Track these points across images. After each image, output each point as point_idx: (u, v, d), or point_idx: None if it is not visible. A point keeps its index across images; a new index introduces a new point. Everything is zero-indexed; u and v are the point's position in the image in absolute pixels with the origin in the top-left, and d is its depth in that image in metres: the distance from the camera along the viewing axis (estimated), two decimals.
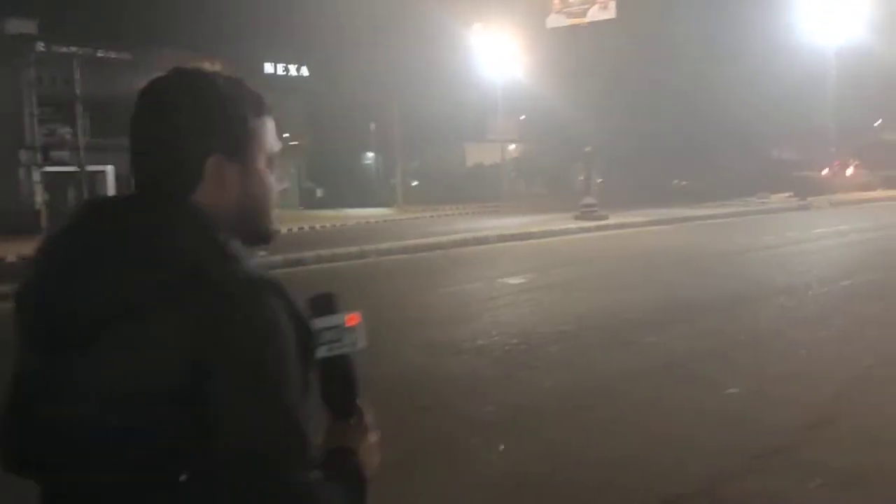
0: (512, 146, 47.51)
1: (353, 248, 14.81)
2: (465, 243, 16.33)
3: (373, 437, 1.19)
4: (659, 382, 5.88)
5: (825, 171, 38.40)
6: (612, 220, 19.94)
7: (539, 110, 40.68)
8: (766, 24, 35.08)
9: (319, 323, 1.14)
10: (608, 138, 38.55)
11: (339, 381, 1.18)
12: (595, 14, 19.27)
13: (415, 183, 43.00)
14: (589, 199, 20.52)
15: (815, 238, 15.74)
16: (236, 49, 31.06)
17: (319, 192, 38.37)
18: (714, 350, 6.78)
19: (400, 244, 15.88)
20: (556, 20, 20.10)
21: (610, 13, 19.31)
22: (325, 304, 1.18)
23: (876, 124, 54.58)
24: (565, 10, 19.08)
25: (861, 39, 34.14)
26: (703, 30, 35.67)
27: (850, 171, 37.70)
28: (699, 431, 4.79)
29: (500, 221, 21.86)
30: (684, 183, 42.24)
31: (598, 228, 18.94)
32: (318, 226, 23.26)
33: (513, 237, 17.28)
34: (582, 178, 21.79)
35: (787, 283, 10.13)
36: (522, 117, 44.93)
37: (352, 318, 1.18)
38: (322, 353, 1.14)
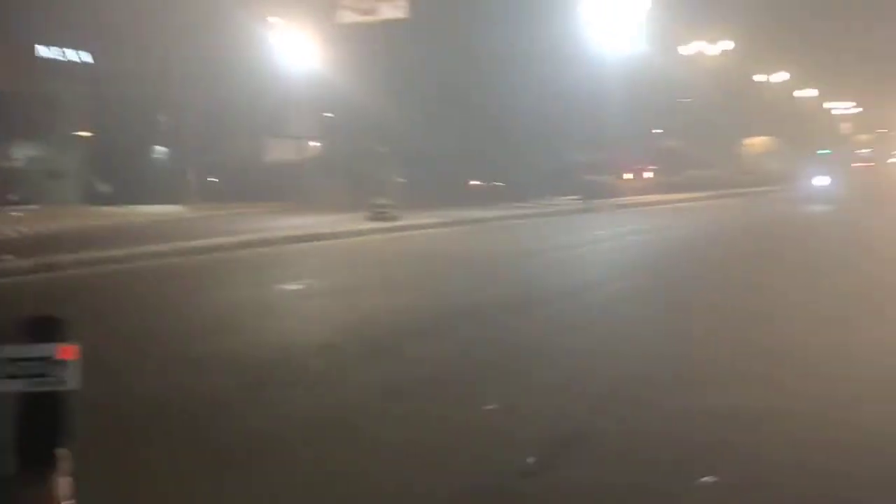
0: (314, 143, 46.74)
1: (120, 252, 13.55)
2: (248, 245, 15.49)
3: None
4: (419, 397, 5.56)
5: (628, 176, 40.84)
6: (404, 221, 19.79)
7: (344, 107, 40.13)
8: (557, 29, 36.44)
9: (16, 351, 1.01)
10: (410, 138, 38.73)
11: (39, 424, 1.05)
12: (387, 12, 19.03)
13: (211, 179, 41.09)
14: (381, 200, 20.27)
15: (595, 241, 16.32)
16: (2, 29, 28.16)
17: (104, 188, 35.64)
18: (481, 360, 6.59)
19: (177, 246, 14.76)
20: (346, 16, 19.65)
21: (402, 11, 19.13)
22: (42, 328, 1.05)
23: (656, 131, 58.88)
24: (354, 6, 18.64)
25: (641, 49, 36.47)
26: (498, 33, 36.54)
27: (649, 175, 40.36)
28: (452, 451, 4.51)
29: (292, 221, 21.13)
30: (483, 184, 43.26)
31: (390, 230, 18.73)
32: (94, 224, 21.40)
33: (300, 239, 16.63)
34: (377, 178, 21.46)
35: (562, 288, 10.27)
36: (328, 114, 44.22)
37: (65, 351, 1.07)
38: (16, 387, 1.02)
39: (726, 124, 59.36)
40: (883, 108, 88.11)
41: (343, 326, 7.75)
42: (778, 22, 59.04)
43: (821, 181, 42.58)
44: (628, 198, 32.38)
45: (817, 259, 12.57)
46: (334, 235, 17.37)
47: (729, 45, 45.12)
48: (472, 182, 43.45)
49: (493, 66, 37.37)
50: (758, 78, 56.73)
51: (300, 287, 10.43)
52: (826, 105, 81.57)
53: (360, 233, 18.06)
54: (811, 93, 69.37)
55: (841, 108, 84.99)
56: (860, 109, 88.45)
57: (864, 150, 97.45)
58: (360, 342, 7.15)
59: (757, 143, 63.94)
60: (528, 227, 20.67)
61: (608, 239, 16.66)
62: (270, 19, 33.96)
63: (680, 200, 32.73)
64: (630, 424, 4.97)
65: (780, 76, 57.66)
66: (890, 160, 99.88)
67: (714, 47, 44.86)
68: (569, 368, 6.31)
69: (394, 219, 19.75)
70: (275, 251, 15.08)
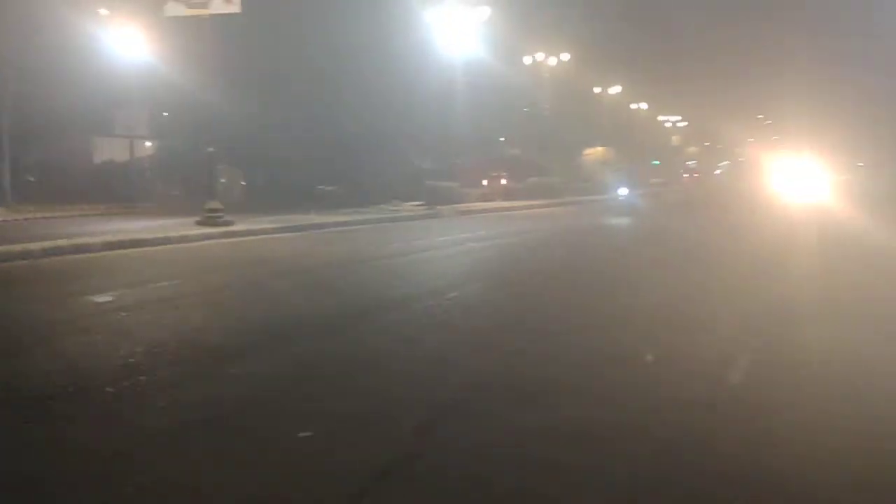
0: (148, 143, 44.36)
1: None
2: (61, 251, 14.15)
3: None
4: (230, 428, 4.95)
5: (485, 182, 41.15)
6: (239, 227, 18.82)
7: (179, 106, 38.13)
8: (400, 33, 36.18)
9: None
10: (252, 140, 37.37)
11: None
12: (218, 6, 18.02)
13: (32, 179, 37.99)
14: (213, 204, 19.20)
15: (436, 247, 16.06)
16: None
17: None
18: (302, 379, 6.03)
19: None
20: (174, 9, 18.46)
21: (234, 7, 18.17)
22: None
23: (501, 139, 60.03)
24: None
25: (483, 56, 36.86)
26: (338, 34, 35.92)
27: (504, 182, 40.86)
28: (262, 489, 3.97)
29: (115, 225, 19.69)
30: (330, 188, 42.47)
31: (222, 235, 17.72)
32: None
33: (122, 244, 15.38)
34: (212, 180, 20.31)
35: (398, 296, 9.86)
36: (165, 113, 41.98)
37: None
38: None
39: (568, 134, 61.46)
40: (706, 122, 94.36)
41: (149, 344, 6.96)
42: (610, 37, 61.81)
43: (623, 192, 45.03)
44: (472, 204, 32.63)
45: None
46: (160, 241, 16.21)
47: (566, 56, 46.49)
48: (319, 187, 42.60)
49: (342, 70, 36.67)
50: (596, 90, 58.99)
51: (109, 299, 9.45)
52: (659, 118, 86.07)
53: (186, 239, 16.96)
54: (643, 106, 73.02)
55: (671, 121, 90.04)
56: (686, 123, 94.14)
57: (691, 162, 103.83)
58: (166, 363, 6.40)
59: (595, 152, 66.64)
60: (369, 233, 20.20)
61: (450, 245, 16.44)
62: (102, 11, 31.80)
63: (520, 207, 33.33)
64: (459, 445, 4.59)
65: (615, 89, 60.23)
66: (716, 171, 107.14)
67: (553, 59, 46.09)
68: (395, 385, 5.87)
69: (227, 224, 18.77)
70: (89, 259, 13.81)
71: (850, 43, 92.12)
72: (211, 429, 4.91)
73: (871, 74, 68.83)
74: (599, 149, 65.42)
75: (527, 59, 46.03)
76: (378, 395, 5.59)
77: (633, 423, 4.95)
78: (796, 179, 42.14)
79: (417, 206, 29.90)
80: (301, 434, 4.79)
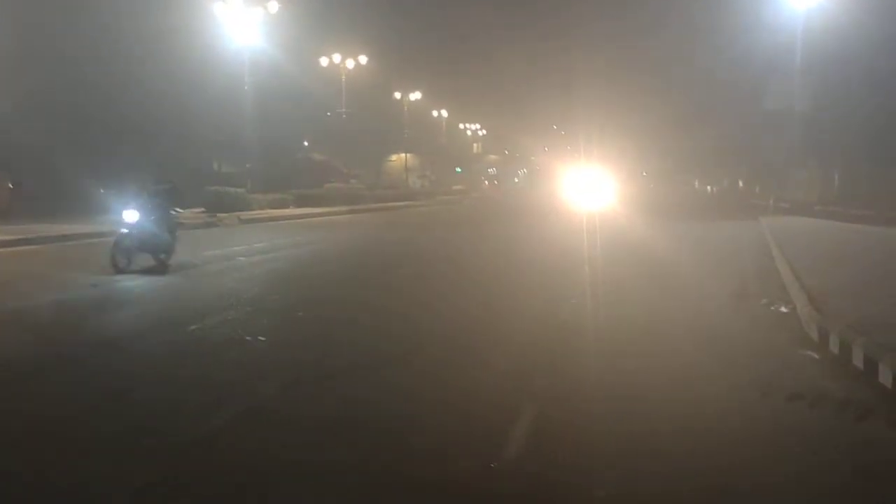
0: None
1: None
2: None
3: None
4: None
5: (332, 184, 38.64)
6: None
7: None
8: (178, 24, 33.30)
9: None
10: (28, 137, 33.15)
11: None
12: None
13: None
14: None
15: (200, 263, 14.06)
16: None
17: None
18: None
19: None
20: None
21: None
22: None
23: (305, 143, 57.89)
24: None
25: (276, 56, 34.85)
26: (115, 30, 32.63)
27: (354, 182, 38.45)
28: None
29: None
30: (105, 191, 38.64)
31: None
32: None
33: None
34: None
35: (126, 330, 8.04)
36: None
37: None
38: None
39: (370, 139, 60.32)
40: (504, 130, 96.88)
41: None
42: (409, 43, 61.52)
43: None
44: (261, 211, 30.41)
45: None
46: None
47: (363, 59, 45.22)
48: (102, 190, 38.42)
49: (119, 67, 33.18)
50: (396, 95, 58.21)
51: None
52: (460, 125, 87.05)
53: None
54: (444, 113, 73.27)
55: (471, 128, 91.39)
56: (485, 132, 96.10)
57: (491, 170, 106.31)
58: None
59: (400, 159, 66.10)
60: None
61: (218, 260, 14.50)
62: None
63: (314, 215, 31.57)
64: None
65: (415, 95, 59.70)
66: (515, 179, 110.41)
67: (350, 61, 44.66)
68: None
69: None
70: None
71: (640, 52, 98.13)
72: None
73: (659, 84, 73.14)
74: (402, 155, 64.91)
75: (323, 61, 44.29)
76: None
77: None
78: (584, 188, 44.34)
79: (198, 213, 27.44)
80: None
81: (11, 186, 38.20)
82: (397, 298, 10.57)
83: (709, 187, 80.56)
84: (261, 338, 7.84)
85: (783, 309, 9.45)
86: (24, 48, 32.38)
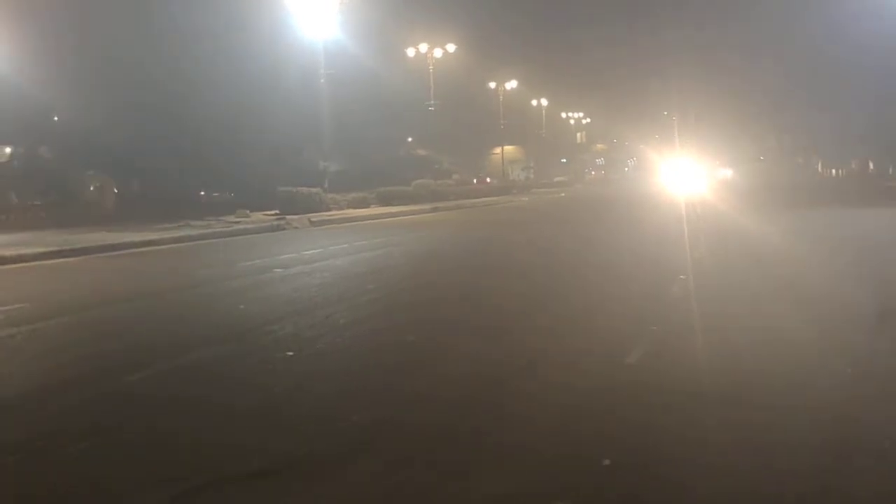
0: (8, 149, 39.47)
1: None
2: None
3: None
4: None
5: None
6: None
7: (29, 110, 33.41)
8: (273, 37, 32.51)
9: None
10: (125, 144, 33.00)
11: None
12: None
13: None
14: None
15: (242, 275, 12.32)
16: None
17: None
18: None
19: None
20: None
21: None
22: None
23: (409, 140, 56.29)
24: None
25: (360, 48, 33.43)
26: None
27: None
28: None
29: None
30: (216, 194, 38.52)
31: None
32: None
33: None
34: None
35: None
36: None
37: None
38: None
39: (466, 132, 58.12)
40: (611, 118, 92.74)
41: None
42: (500, 30, 58.71)
43: None
44: (336, 212, 28.69)
45: None
46: None
47: (451, 47, 43.05)
48: (203, 193, 38.21)
49: (214, 72, 32.46)
50: (490, 85, 55.69)
51: None
52: (562, 114, 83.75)
53: None
54: (544, 102, 69.86)
55: (574, 117, 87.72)
56: (588, 120, 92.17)
57: (599, 160, 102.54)
58: None
59: (504, 151, 63.27)
60: (201, 251, 16.37)
61: (254, 272, 12.75)
62: None
63: (394, 214, 29.66)
64: None
65: (511, 84, 56.74)
66: (625, 168, 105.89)
67: (438, 50, 42.57)
68: None
69: None
70: None
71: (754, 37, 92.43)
72: None
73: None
74: (509, 147, 62.33)
75: (410, 52, 42.40)
76: None
77: None
78: (683, 175, 43.86)
79: (269, 215, 26.08)
80: None
81: (116, 191, 38.42)
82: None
83: (833, 171, 74.65)
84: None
85: None
86: (106, 55, 32.15)
